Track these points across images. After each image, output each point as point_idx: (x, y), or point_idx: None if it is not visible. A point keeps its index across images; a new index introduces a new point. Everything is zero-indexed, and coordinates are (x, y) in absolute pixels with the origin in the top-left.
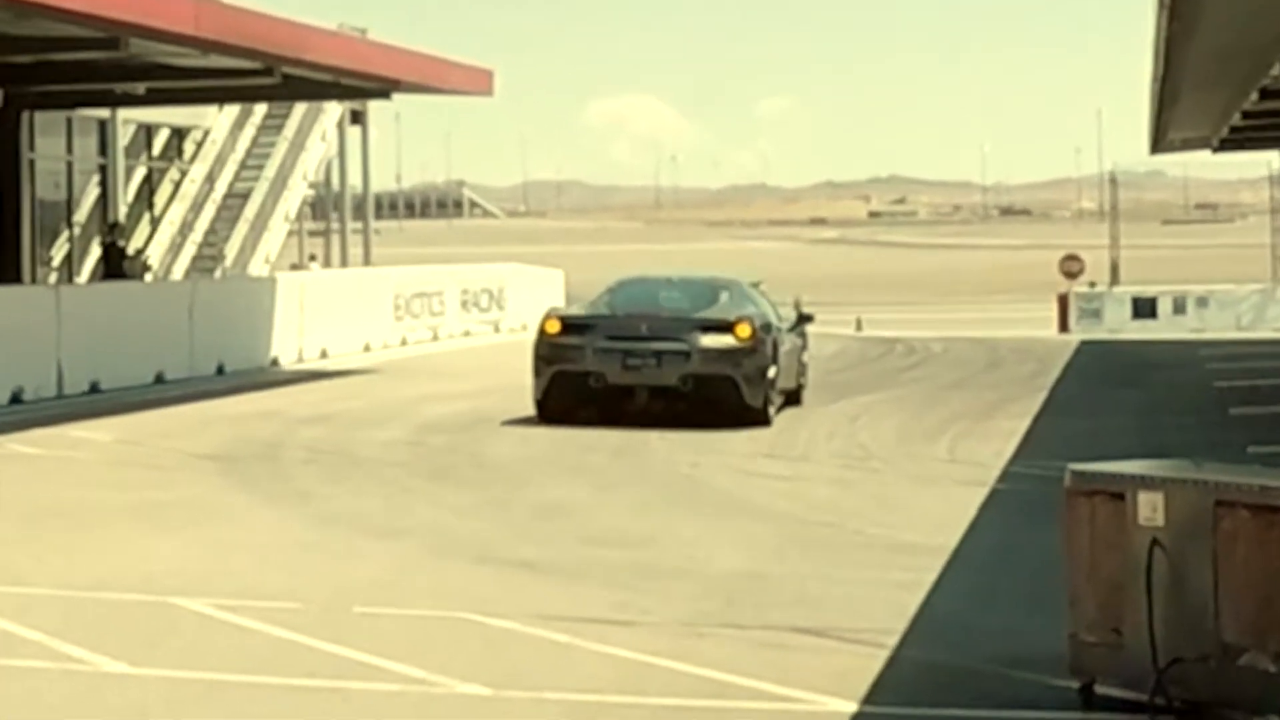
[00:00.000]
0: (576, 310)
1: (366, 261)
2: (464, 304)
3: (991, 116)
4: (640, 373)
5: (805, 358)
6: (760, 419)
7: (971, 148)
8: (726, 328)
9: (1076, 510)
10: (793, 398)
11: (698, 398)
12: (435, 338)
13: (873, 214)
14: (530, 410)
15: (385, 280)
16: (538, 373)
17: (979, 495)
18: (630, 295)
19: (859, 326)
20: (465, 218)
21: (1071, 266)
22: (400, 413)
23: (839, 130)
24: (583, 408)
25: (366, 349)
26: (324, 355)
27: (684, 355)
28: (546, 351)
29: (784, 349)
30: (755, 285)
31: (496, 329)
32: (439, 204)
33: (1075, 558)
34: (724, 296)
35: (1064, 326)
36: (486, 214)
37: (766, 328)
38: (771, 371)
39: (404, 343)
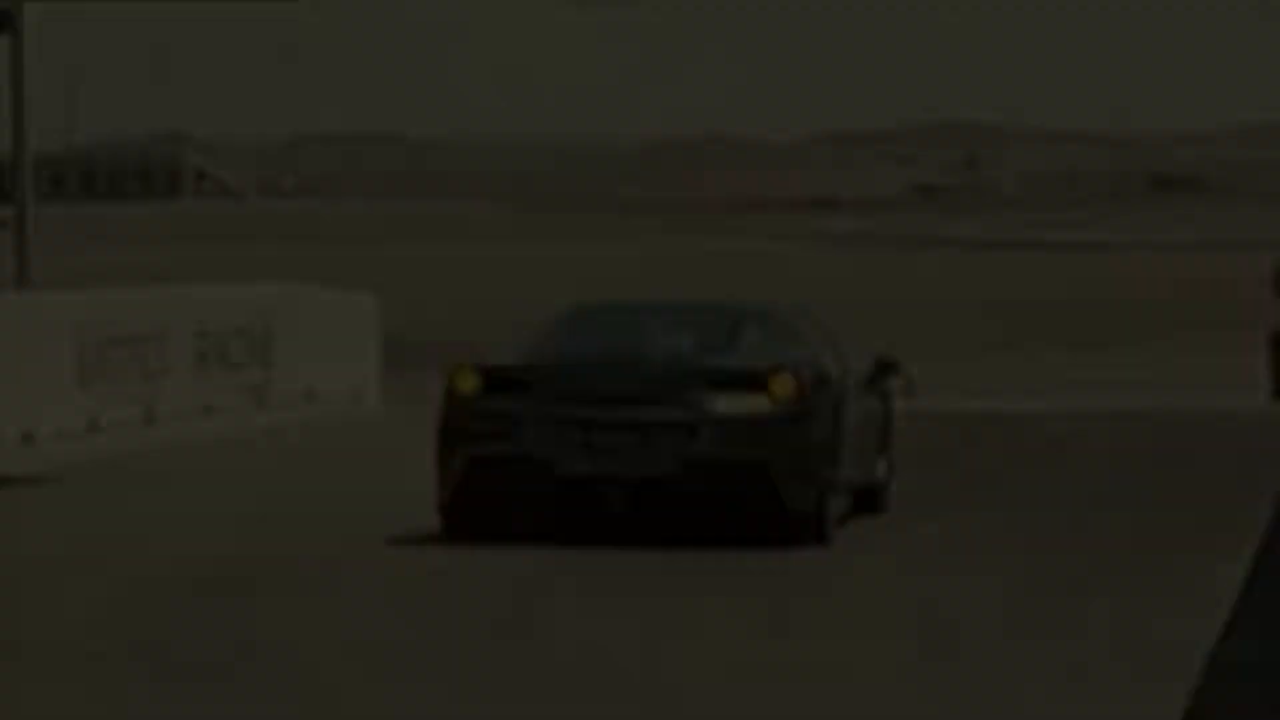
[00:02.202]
0: (507, 358)
1: (22, 281)
2: (201, 357)
3: (1130, 24)
4: (614, 458)
5: (888, 431)
6: (812, 532)
7: (1095, 76)
8: (756, 382)
9: None
10: (868, 498)
11: (709, 498)
12: (150, 418)
13: (922, 188)
14: (342, 554)
15: (58, 314)
16: (444, 460)
17: (1177, 712)
18: (594, 331)
19: (910, 390)
20: (189, 196)
21: None
22: (97, 558)
23: (856, 44)
24: (520, 516)
25: (26, 439)
26: None
27: (686, 429)
28: (459, 424)
29: (851, 417)
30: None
31: (261, 401)
32: (142, 174)
33: None
34: (751, 332)
35: None
36: (226, 191)
37: (823, 382)
38: (831, 454)
39: (94, 427)
